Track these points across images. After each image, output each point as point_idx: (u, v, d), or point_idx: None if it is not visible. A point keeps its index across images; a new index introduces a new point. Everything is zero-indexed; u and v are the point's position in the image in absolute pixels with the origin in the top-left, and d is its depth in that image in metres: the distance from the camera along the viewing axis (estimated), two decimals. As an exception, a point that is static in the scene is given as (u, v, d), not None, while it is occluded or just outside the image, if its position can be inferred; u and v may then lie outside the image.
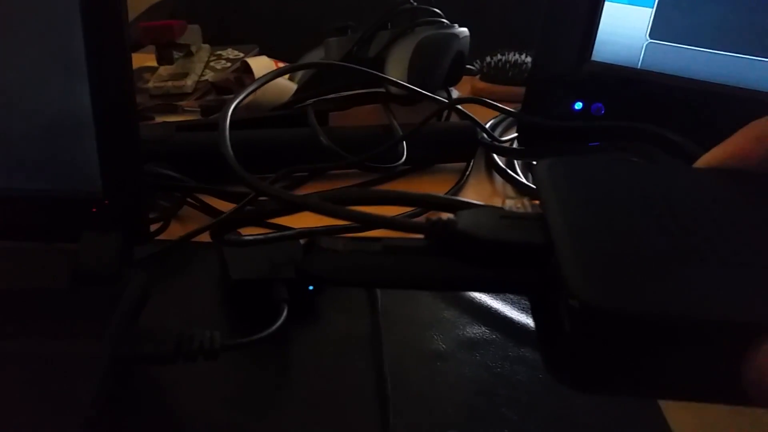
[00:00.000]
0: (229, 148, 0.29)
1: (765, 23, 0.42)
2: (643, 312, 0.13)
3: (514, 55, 0.70)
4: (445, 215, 0.16)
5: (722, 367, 0.14)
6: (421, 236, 0.16)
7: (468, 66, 0.71)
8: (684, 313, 0.13)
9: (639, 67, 0.44)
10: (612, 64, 0.44)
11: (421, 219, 0.16)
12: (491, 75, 0.70)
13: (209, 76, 0.67)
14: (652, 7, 0.44)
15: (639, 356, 0.14)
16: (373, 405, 0.29)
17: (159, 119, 0.58)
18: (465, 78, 0.69)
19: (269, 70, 0.58)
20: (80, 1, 0.29)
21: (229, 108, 0.32)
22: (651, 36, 0.44)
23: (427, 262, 0.16)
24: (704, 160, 0.18)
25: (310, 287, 0.36)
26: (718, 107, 0.43)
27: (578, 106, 0.44)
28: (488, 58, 0.71)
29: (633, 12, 0.44)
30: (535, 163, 0.32)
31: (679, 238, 0.15)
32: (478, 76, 0.72)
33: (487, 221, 0.16)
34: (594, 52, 0.45)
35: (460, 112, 0.60)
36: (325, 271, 0.16)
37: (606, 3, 0.44)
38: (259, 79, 0.39)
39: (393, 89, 0.53)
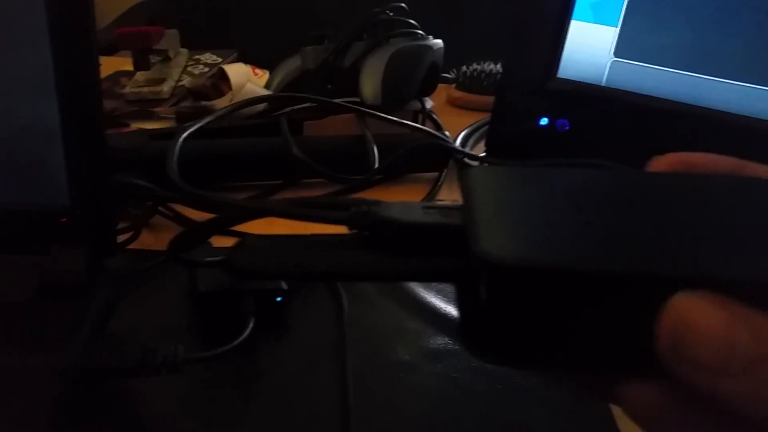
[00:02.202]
0: (176, 172, 0.31)
1: (726, 46, 0.43)
2: (547, 264, 0.13)
3: (489, 65, 0.71)
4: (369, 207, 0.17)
5: (631, 332, 0.13)
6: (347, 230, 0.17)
7: (445, 74, 0.72)
8: (589, 265, 0.13)
9: (603, 84, 0.46)
10: (577, 81, 0.45)
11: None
12: (467, 84, 0.71)
13: (186, 81, 0.67)
14: (617, 27, 0.45)
15: (551, 320, 0.13)
16: (336, 416, 0.30)
17: (134, 126, 0.58)
18: (441, 86, 0.69)
19: (245, 77, 0.59)
20: (48, 16, 0.29)
21: (180, 137, 0.34)
22: (616, 54, 0.45)
23: (350, 252, 0.16)
24: (667, 159, 0.19)
25: (278, 298, 0.36)
26: (680, 125, 0.44)
27: (544, 121, 0.45)
28: (464, 68, 0.72)
29: (598, 31, 0.45)
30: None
31: (593, 218, 0.15)
32: (454, 85, 0.73)
33: (409, 210, 0.16)
34: (560, 69, 0.46)
35: (434, 122, 0.61)
36: (250, 264, 0.16)
37: (572, 21, 0.45)
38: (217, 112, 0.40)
39: (368, 99, 0.54)
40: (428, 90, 0.60)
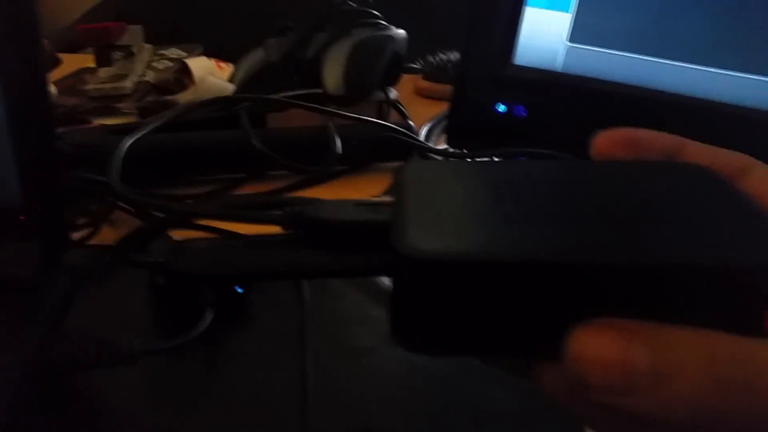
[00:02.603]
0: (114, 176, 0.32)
1: (682, 29, 0.44)
2: (456, 258, 0.13)
3: (455, 54, 0.72)
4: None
5: (541, 320, 0.14)
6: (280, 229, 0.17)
7: (413, 65, 0.72)
8: (498, 257, 0.13)
9: (559, 70, 0.46)
10: (533, 68, 0.46)
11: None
12: (433, 74, 0.71)
13: (150, 76, 0.66)
14: (571, 12, 0.45)
15: (468, 310, 0.14)
16: (294, 401, 0.31)
17: (97, 122, 0.58)
18: (408, 77, 0.70)
19: (207, 71, 0.58)
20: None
21: (125, 144, 0.35)
22: (571, 40, 0.46)
23: (284, 252, 0.17)
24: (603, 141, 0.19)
25: (239, 289, 0.36)
26: (636, 110, 0.45)
27: (501, 108, 0.46)
28: (430, 58, 0.73)
29: (552, 17, 0.46)
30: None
31: (513, 210, 0.15)
32: (421, 75, 0.74)
33: (339, 208, 0.17)
34: (516, 55, 0.46)
35: (400, 112, 0.61)
36: (189, 268, 0.16)
37: (526, 8, 0.46)
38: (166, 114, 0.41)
39: (330, 90, 0.54)
40: (392, 80, 0.61)
